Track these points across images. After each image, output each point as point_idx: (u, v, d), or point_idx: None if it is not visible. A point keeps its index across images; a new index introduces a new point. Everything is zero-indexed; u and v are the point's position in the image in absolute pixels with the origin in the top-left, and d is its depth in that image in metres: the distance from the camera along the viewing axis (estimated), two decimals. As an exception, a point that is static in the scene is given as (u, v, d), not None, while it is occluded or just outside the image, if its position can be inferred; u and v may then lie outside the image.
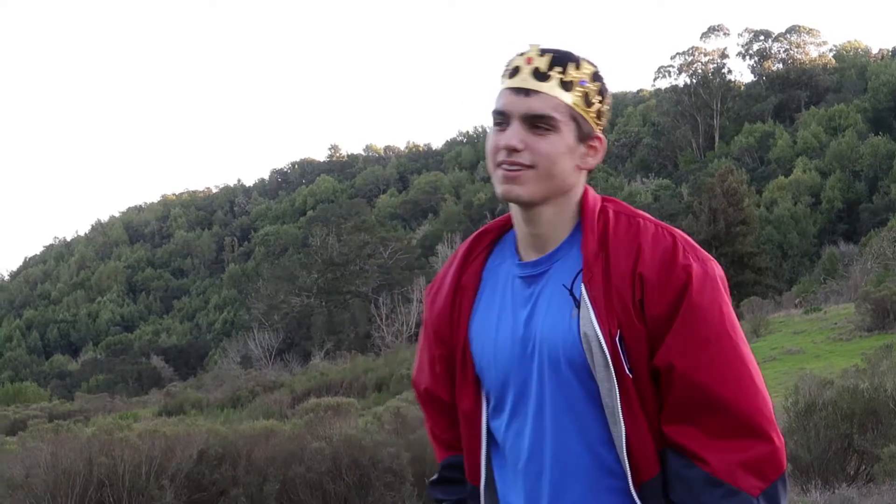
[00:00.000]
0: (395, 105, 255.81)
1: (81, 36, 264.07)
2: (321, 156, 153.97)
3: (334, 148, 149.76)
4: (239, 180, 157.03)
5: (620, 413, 2.39)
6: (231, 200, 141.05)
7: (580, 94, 2.47)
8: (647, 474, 2.41)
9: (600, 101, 2.51)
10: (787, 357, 31.04)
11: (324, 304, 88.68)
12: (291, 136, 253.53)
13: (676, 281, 2.39)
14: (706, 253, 2.47)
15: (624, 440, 2.39)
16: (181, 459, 20.90)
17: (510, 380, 2.52)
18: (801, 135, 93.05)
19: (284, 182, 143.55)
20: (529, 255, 2.55)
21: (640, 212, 2.54)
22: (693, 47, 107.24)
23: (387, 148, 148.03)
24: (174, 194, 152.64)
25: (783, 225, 76.30)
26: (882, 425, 17.50)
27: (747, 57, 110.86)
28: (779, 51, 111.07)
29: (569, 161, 2.47)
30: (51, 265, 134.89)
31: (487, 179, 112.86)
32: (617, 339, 2.38)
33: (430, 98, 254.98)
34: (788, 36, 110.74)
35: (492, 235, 2.65)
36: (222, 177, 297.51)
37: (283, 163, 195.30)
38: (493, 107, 2.51)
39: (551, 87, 2.45)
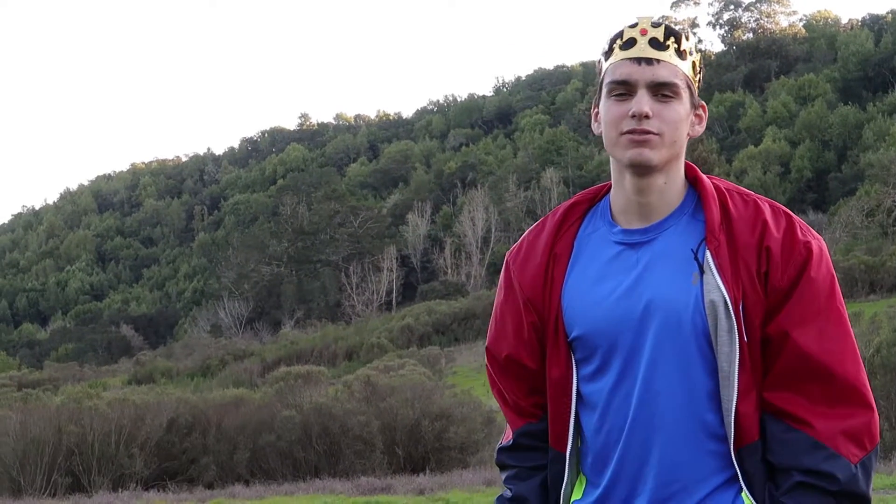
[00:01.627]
0: (365, 73, 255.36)
1: (52, 5, 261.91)
2: (291, 124, 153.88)
3: (304, 116, 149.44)
4: (209, 149, 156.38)
5: (736, 377, 2.47)
6: (201, 169, 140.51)
7: (690, 64, 2.58)
8: (748, 438, 2.49)
9: (701, 72, 2.63)
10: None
11: (294, 272, 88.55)
12: (261, 104, 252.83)
13: (798, 256, 2.50)
14: (817, 233, 2.58)
15: (734, 405, 2.48)
16: (151, 428, 20.87)
17: (618, 344, 2.56)
18: (771, 104, 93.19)
19: (254, 151, 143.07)
20: (633, 224, 2.61)
21: (749, 191, 2.64)
22: (663, 16, 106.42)
23: (357, 116, 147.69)
24: (143, 163, 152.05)
25: (752, 194, 76.50)
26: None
27: (717, 26, 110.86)
28: (749, 20, 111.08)
29: (685, 128, 2.58)
30: (19, 234, 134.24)
31: (457, 148, 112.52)
32: (741, 306, 2.48)
33: (401, 67, 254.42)
34: (759, 5, 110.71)
35: (585, 206, 2.71)
36: (192, 145, 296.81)
37: (253, 131, 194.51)
38: (607, 78, 2.57)
39: (670, 56, 2.54)
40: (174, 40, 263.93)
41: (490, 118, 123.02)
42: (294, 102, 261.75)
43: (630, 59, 2.53)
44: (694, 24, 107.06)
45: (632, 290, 2.55)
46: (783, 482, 2.48)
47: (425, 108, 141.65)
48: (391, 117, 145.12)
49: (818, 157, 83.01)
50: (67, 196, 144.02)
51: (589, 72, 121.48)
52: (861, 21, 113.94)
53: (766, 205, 2.57)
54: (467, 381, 38.17)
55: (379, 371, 25.04)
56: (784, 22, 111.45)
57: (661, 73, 2.52)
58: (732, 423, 2.48)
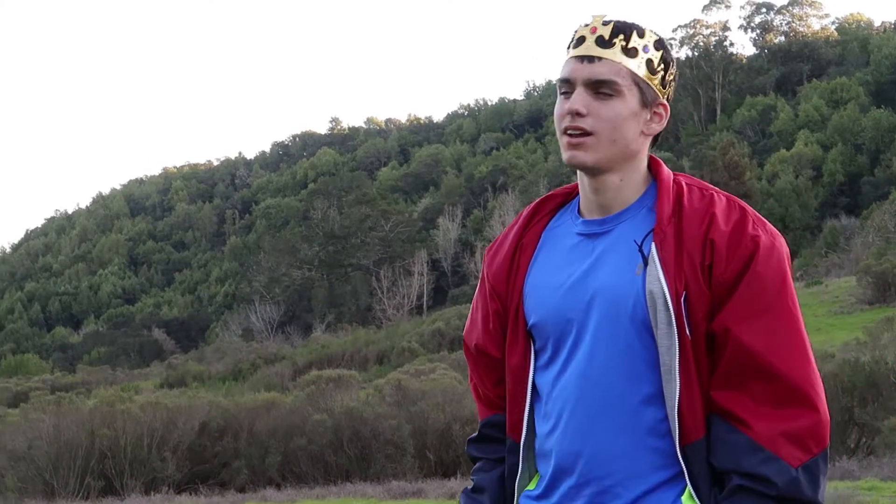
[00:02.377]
0: (396, 77, 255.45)
1: (84, 10, 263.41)
2: (322, 128, 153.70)
3: (335, 120, 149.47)
4: (240, 153, 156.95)
5: (677, 371, 2.44)
6: (232, 173, 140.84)
7: (644, 61, 2.55)
8: (693, 436, 2.45)
9: (664, 70, 2.58)
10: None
11: (325, 276, 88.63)
12: (292, 108, 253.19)
13: (744, 250, 2.46)
14: (773, 227, 2.55)
15: (677, 399, 2.44)
16: (183, 431, 20.96)
17: (565, 332, 2.57)
18: (803, 108, 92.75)
19: (286, 155, 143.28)
20: (594, 216, 2.62)
21: (711, 185, 2.61)
22: (695, 20, 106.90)
23: (388, 120, 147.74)
24: (175, 167, 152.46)
25: (784, 198, 76.15)
26: (883, 398, 17.52)
27: (749, 30, 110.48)
28: (781, 23, 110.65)
29: (632, 126, 2.55)
30: (52, 238, 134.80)
31: (488, 152, 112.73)
32: (682, 299, 2.44)
33: (432, 70, 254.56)
34: (790, 8, 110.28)
35: (557, 200, 2.74)
36: (223, 149, 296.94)
37: (284, 135, 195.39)
38: (558, 76, 2.59)
39: (614, 54, 2.52)
40: (206, 45, 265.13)
41: (521, 122, 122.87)
42: (325, 106, 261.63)
43: (575, 56, 2.55)
44: (725, 28, 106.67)
45: (582, 280, 2.56)
46: (725, 485, 2.43)
47: (456, 111, 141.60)
48: (422, 121, 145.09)
49: (850, 160, 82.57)
50: (100, 200, 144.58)
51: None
52: (894, 24, 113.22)
53: (723, 198, 2.55)
54: (498, 386, 38.15)
55: (410, 375, 25.06)
56: (816, 25, 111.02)
57: (600, 71, 2.51)
58: (676, 419, 2.44)
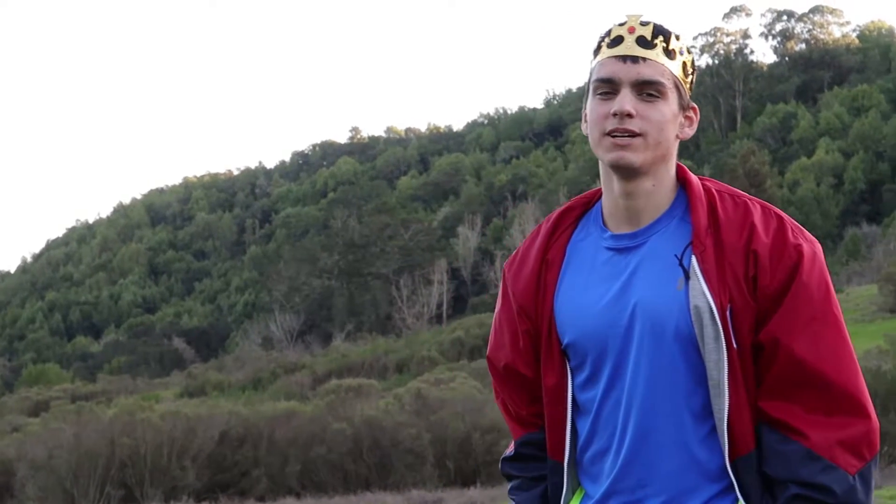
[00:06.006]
0: (415, 86, 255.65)
1: (101, 20, 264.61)
2: (342, 138, 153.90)
3: (355, 130, 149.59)
4: (260, 162, 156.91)
5: (727, 386, 2.42)
6: (252, 182, 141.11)
7: (681, 64, 2.53)
8: (743, 449, 2.44)
9: (692, 73, 2.58)
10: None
11: (345, 285, 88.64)
12: (312, 118, 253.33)
13: (788, 260, 2.44)
14: (811, 234, 2.53)
15: (726, 413, 2.43)
16: (203, 440, 20.97)
17: (607, 350, 2.53)
18: (824, 115, 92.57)
19: (305, 164, 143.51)
20: (622, 228, 2.57)
21: (739, 191, 2.59)
22: (715, 28, 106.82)
23: (407, 129, 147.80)
24: (196, 176, 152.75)
25: (806, 206, 75.95)
26: (905, 407, 17.47)
27: (770, 37, 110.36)
28: (801, 31, 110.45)
29: (672, 129, 2.53)
30: (73, 247, 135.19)
31: (507, 160, 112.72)
32: (728, 312, 2.42)
33: (451, 79, 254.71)
34: (811, 16, 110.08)
35: (577, 211, 2.69)
36: (243, 159, 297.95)
37: (303, 145, 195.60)
38: (593, 76, 2.53)
39: (657, 55, 2.49)
40: (227, 55, 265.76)
41: (540, 130, 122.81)
42: (345, 116, 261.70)
43: (616, 56, 2.50)
44: (746, 36, 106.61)
45: (620, 296, 2.52)
46: (780, 494, 2.42)
47: (476, 120, 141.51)
48: (441, 130, 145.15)
49: (872, 168, 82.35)
50: (120, 210, 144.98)
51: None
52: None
53: (758, 206, 2.52)
54: (518, 394, 38.11)
55: (429, 384, 25.05)
56: (837, 32, 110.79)
57: (647, 72, 2.47)
58: (726, 433, 2.43)
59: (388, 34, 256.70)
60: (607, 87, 2.49)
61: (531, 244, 2.69)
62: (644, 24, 2.52)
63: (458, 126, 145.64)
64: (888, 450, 17.37)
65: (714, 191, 2.54)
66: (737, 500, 2.46)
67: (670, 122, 2.51)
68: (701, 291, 2.42)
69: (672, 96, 2.50)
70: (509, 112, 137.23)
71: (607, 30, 2.54)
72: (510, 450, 2.76)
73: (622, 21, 2.54)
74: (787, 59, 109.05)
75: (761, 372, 2.44)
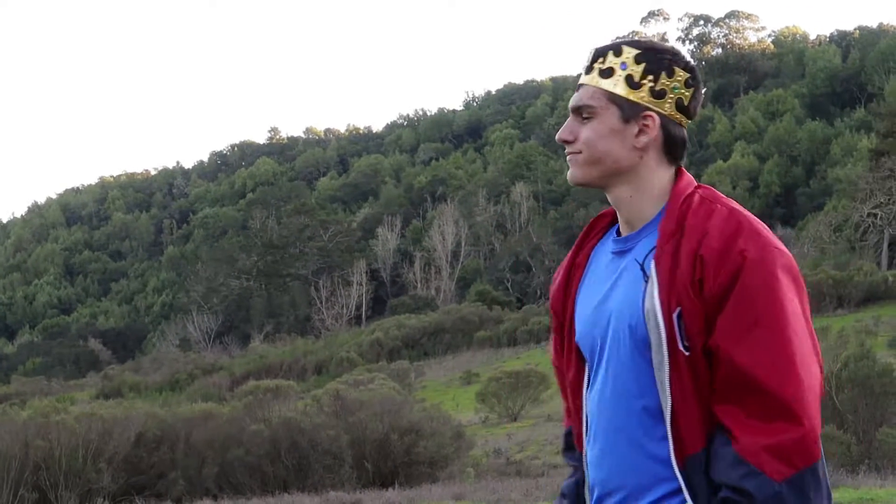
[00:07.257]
0: (335, 87, 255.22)
1: (14, 15, 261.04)
2: (261, 138, 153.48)
3: (274, 130, 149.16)
4: (178, 162, 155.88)
5: (668, 386, 2.48)
6: (170, 183, 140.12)
7: (622, 78, 2.62)
8: (691, 448, 2.48)
9: (652, 80, 2.62)
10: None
11: (263, 286, 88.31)
12: (231, 117, 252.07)
13: (731, 265, 2.46)
14: (775, 242, 2.53)
15: (669, 412, 2.49)
16: (119, 442, 20.75)
17: (596, 349, 2.66)
18: (740, 119, 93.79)
19: (224, 164, 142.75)
20: (623, 233, 2.71)
21: (725, 199, 2.61)
22: (633, 32, 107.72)
23: (327, 130, 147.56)
24: (112, 176, 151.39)
25: (721, 209, 76.77)
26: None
27: (687, 42, 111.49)
28: (718, 36, 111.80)
29: (616, 143, 2.62)
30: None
31: (427, 162, 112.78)
32: (675, 315, 2.48)
33: (371, 81, 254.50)
34: (728, 21, 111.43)
35: (608, 218, 2.80)
36: (161, 159, 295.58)
37: (222, 145, 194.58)
38: None
39: (592, 78, 2.65)
40: (142, 54, 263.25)
41: (460, 132, 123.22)
42: (264, 116, 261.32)
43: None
44: (663, 40, 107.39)
45: (605, 299, 2.64)
46: (718, 497, 2.45)
47: (395, 122, 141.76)
48: (361, 131, 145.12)
49: (786, 172, 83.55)
50: (35, 209, 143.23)
51: (558, 87, 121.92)
52: (829, 37, 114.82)
53: (724, 211, 2.54)
54: (437, 396, 38.18)
55: (348, 385, 25.03)
56: (753, 38, 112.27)
57: (578, 97, 2.65)
58: (670, 430, 2.48)
59: (308, 34, 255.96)
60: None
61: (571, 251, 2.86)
62: (591, 51, 2.69)
63: (377, 127, 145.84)
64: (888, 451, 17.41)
65: (697, 197, 2.59)
66: (684, 500, 2.48)
67: (605, 138, 2.61)
68: (652, 295, 2.49)
69: (607, 113, 2.61)
70: (429, 114, 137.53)
71: None
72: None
73: None
74: (703, 63, 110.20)
75: (713, 375, 2.48)
